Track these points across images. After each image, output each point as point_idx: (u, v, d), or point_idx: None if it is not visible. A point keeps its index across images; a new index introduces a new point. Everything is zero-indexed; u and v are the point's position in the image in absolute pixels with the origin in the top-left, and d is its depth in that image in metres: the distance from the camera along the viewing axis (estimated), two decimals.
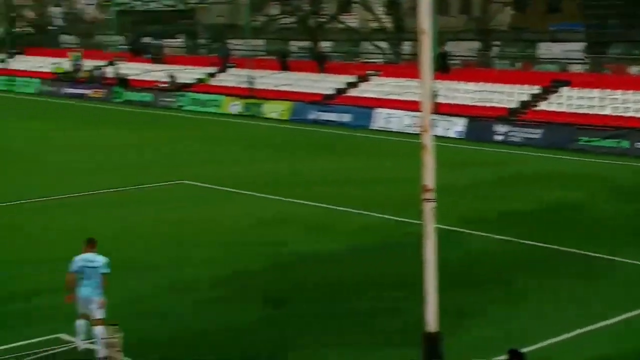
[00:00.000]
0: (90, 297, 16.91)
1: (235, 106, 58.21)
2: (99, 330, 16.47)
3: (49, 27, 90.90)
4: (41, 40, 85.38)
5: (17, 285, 21.28)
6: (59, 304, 18.26)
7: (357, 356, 17.15)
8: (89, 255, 17.16)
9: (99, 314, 16.84)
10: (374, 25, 68.05)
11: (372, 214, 28.78)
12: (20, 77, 74.00)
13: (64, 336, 17.52)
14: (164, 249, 24.94)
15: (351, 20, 72.25)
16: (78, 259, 17.14)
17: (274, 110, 56.10)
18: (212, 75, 65.54)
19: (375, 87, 55.95)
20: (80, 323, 17.02)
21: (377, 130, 50.10)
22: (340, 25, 70.10)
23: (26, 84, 72.59)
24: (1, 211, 29.87)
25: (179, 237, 26.27)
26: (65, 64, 72.68)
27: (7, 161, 40.15)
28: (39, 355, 15.61)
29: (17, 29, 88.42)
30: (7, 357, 15.75)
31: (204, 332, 18.40)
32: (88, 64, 71.67)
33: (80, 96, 67.11)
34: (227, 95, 59.59)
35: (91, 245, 17.39)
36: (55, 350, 15.95)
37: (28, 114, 58.43)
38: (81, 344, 16.83)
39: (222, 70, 65.57)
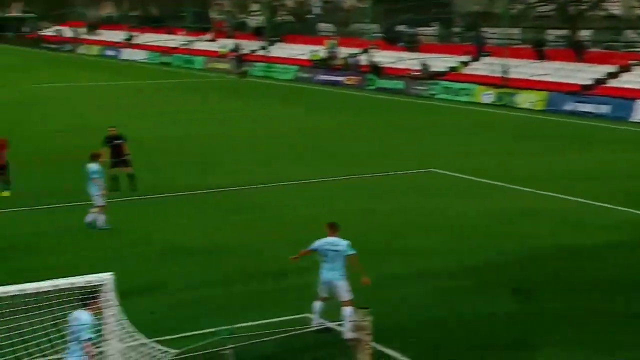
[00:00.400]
0: (334, 280, 16.90)
1: (487, 95, 57.31)
2: (348, 311, 16.43)
3: (307, 16, 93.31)
4: (299, 28, 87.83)
5: (267, 266, 21.69)
6: (305, 284, 18.45)
7: None
8: (332, 239, 17.15)
9: (347, 295, 16.80)
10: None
11: (631, 210, 27.28)
12: (279, 64, 76.47)
13: (310, 316, 17.63)
14: (409, 236, 24.71)
15: (614, 7, 69.33)
16: (321, 242, 17.19)
17: (528, 100, 54.76)
18: (465, 63, 64.91)
19: (638, 78, 53.38)
20: (318, 304, 17.09)
21: (637, 122, 47.81)
22: (602, 13, 67.44)
23: (284, 70, 74.85)
24: (259, 192, 30.76)
25: (425, 225, 25.97)
26: (321, 51, 74.32)
27: (275, 144, 41.32)
28: (288, 334, 15.84)
29: (278, 18, 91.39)
30: (257, 333, 16.03)
31: (443, 320, 17.98)
32: (343, 51, 72.92)
33: (335, 83, 68.37)
34: (480, 84, 58.78)
35: (334, 229, 17.36)
36: (302, 330, 16.13)
37: (286, 100, 60.20)
38: (322, 324, 16.91)
39: (476, 59, 64.77)
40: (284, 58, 78.11)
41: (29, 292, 11.22)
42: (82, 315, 11.76)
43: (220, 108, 55.21)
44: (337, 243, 17.06)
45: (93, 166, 25.61)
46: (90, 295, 11.81)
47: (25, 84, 68.24)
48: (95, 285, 11.65)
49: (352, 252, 17.01)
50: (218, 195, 30.31)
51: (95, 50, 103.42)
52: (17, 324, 11.55)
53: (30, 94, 62.23)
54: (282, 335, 15.93)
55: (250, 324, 17.19)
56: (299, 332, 16.03)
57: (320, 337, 16.66)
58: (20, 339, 11.66)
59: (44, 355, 11.98)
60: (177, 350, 14.64)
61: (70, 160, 33.28)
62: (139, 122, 47.62)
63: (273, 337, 15.60)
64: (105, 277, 11.65)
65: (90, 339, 11.73)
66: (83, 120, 48.96)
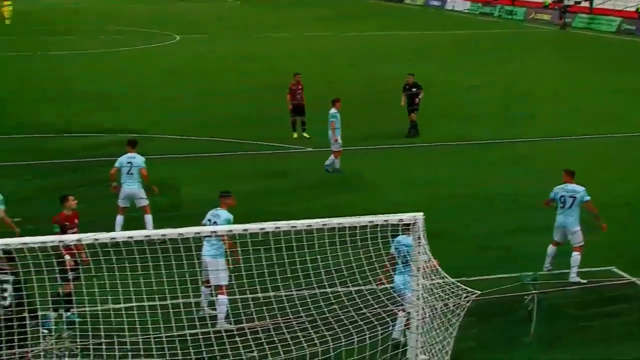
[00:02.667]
0: (569, 226, 17.64)
1: None
2: (576, 257, 17.49)
3: None
4: None
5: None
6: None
7: None
8: (569, 186, 17.86)
9: (579, 241, 17.62)
10: None
11: None
12: (603, 15, 74.23)
13: (616, 270, 17.77)
14: None
15: None
16: (558, 188, 17.95)
17: None
18: None
19: None
20: (551, 248, 18.03)
21: None
22: None
23: (608, 22, 72.61)
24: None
25: None
26: None
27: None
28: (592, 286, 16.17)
29: None
30: (559, 281, 16.41)
31: None
32: None
33: None
34: None
35: (571, 175, 18.01)
36: (602, 283, 16.37)
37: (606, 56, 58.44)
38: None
39: None
40: (609, 9, 75.65)
41: (350, 225, 12.23)
42: (406, 240, 13.22)
43: (539, 61, 54.58)
44: (574, 189, 17.69)
45: (331, 111, 27.05)
46: (409, 224, 12.97)
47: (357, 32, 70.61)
48: (409, 219, 12.44)
49: (587, 198, 17.59)
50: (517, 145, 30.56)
51: (420, 0, 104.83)
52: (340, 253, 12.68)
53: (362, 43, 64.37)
54: (585, 285, 16.25)
55: (553, 272, 17.58)
56: (598, 284, 16.23)
57: (622, 291, 16.77)
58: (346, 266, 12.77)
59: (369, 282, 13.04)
60: (479, 292, 15.30)
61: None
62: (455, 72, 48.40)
63: (576, 287, 15.93)
64: (417, 217, 12.46)
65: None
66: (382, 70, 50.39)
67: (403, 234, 13.51)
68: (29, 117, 35.02)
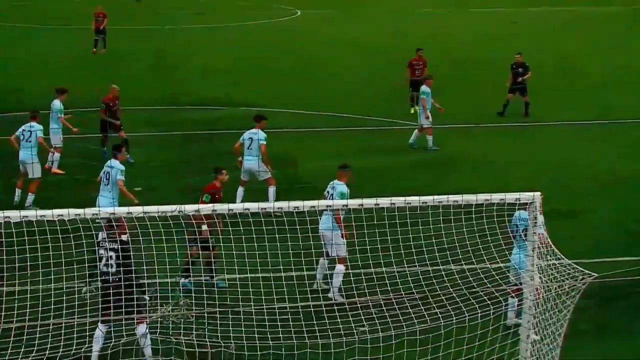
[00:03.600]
0: None
1: None
2: None
3: None
4: None
5: None
6: None
7: None
8: None
9: None
10: None
11: None
12: None
13: None
14: None
15: None
16: None
17: None
18: None
19: None
20: None
21: None
22: None
23: None
24: None
25: None
26: None
27: None
28: None
29: None
30: None
31: None
32: None
33: None
34: None
35: None
36: None
37: None
38: None
39: None
40: None
41: (466, 202, 12.14)
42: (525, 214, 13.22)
43: None
44: None
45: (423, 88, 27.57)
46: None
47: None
48: (527, 198, 12.26)
49: None
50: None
51: None
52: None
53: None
54: None
55: None
56: None
57: None
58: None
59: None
60: (596, 274, 15.01)
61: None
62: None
63: None
64: (535, 195, 12.29)
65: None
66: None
67: (522, 209, 13.42)
68: (162, 90, 35.78)
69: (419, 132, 27.58)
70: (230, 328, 11.54)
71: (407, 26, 54.90)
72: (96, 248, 12.95)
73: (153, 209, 10.71)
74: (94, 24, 45.17)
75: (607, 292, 15.54)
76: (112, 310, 12.23)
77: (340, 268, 15.82)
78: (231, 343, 11.56)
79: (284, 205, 11.53)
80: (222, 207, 11.14)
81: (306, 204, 11.71)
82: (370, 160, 24.83)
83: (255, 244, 12.25)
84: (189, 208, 11.24)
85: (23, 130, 21.85)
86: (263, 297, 12.14)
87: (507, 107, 31.78)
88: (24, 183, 21.54)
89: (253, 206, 11.61)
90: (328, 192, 16.79)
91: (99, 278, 13.16)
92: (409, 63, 33.14)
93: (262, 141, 20.90)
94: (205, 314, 12.09)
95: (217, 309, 12.23)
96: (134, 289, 12.28)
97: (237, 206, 11.20)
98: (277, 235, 12.44)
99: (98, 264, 13.05)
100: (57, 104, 24.61)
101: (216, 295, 12.35)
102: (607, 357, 14.51)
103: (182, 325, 12.32)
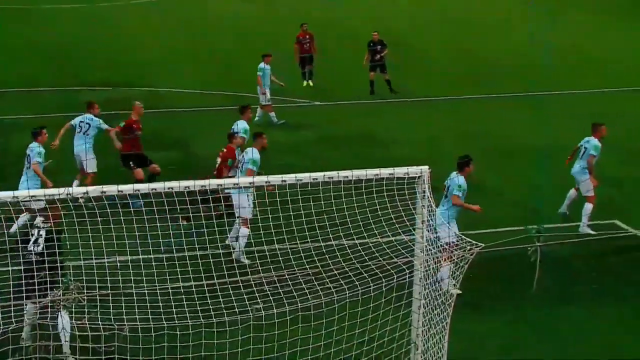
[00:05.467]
0: None
1: None
2: None
3: None
4: None
5: None
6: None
7: None
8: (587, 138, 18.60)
9: None
10: None
11: None
12: None
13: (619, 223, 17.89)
14: None
15: None
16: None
17: None
18: None
19: None
20: None
21: None
22: None
23: None
24: None
25: None
26: None
27: None
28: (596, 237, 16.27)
29: None
30: (564, 234, 16.55)
31: None
32: None
33: None
34: None
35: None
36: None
37: None
38: None
39: None
40: None
41: (356, 177, 12.29)
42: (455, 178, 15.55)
43: None
44: (587, 141, 18.41)
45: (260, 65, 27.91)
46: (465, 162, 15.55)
47: None
48: (415, 172, 12.46)
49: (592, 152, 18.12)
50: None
51: None
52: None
53: None
54: (589, 238, 16.40)
55: (558, 225, 17.71)
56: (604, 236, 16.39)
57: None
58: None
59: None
60: (483, 245, 15.41)
61: None
62: None
63: (579, 240, 16.06)
64: (422, 169, 12.50)
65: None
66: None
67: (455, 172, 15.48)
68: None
69: (261, 109, 27.84)
70: (123, 310, 11.43)
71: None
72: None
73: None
74: None
75: (493, 261, 15.97)
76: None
77: (243, 231, 16.42)
78: (124, 325, 11.46)
79: (175, 185, 11.47)
80: (111, 189, 11.01)
81: (197, 183, 11.68)
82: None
83: (147, 225, 12.14)
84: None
85: (81, 121, 20.26)
86: (156, 277, 12.07)
87: (374, 85, 32.12)
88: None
89: (143, 187, 11.53)
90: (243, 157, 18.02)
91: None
92: (296, 39, 33.43)
93: (242, 134, 20.04)
94: (97, 297, 11.94)
95: (109, 292, 12.11)
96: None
97: (127, 187, 11.11)
98: (168, 216, 12.38)
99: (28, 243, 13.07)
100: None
101: (108, 278, 12.21)
102: (494, 326, 14.93)
103: (73, 309, 12.16)
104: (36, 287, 11.92)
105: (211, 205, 13.50)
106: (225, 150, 19.05)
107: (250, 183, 11.99)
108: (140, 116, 20.65)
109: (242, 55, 37.72)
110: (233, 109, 26.14)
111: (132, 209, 11.77)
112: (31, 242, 13.08)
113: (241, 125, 20.30)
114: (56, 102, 29.78)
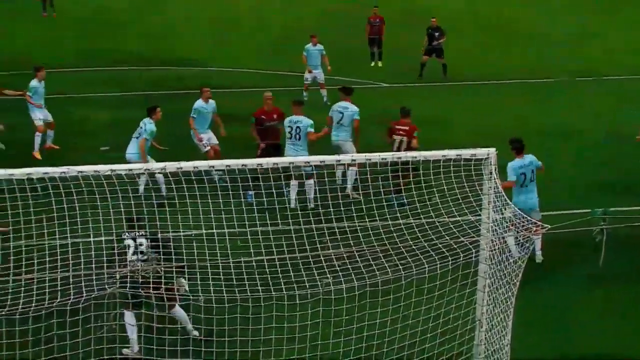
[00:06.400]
0: None
1: None
2: None
3: None
4: None
5: None
6: None
7: None
8: None
9: None
10: None
11: None
12: None
13: None
14: None
15: None
16: None
17: None
18: None
19: None
20: None
21: None
22: None
23: None
24: None
25: None
26: None
27: None
28: None
29: None
30: (629, 216, 16.66)
31: None
32: None
33: None
34: None
35: None
36: None
37: None
38: None
39: None
40: None
41: (423, 158, 12.57)
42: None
43: None
44: None
45: None
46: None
47: None
48: (482, 154, 12.70)
49: None
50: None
51: None
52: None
53: None
54: None
55: (624, 208, 17.81)
56: None
57: None
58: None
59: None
60: (549, 226, 15.60)
61: None
62: None
63: None
64: (490, 151, 12.73)
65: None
66: None
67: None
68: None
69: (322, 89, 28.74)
70: (198, 282, 11.88)
71: None
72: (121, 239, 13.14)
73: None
74: None
75: (557, 243, 16.15)
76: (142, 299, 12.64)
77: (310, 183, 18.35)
78: (200, 296, 11.91)
79: (248, 162, 11.84)
80: (187, 165, 11.42)
81: (269, 161, 12.07)
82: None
83: (221, 200, 12.58)
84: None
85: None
86: (229, 251, 12.49)
87: (424, 68, 32.35)
88: None
89: (217, 163, 11.94)
90: (290, 127, 19.46)
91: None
92: (367, 20, 34.15)
93: (356, 116, 20.26)
94: (174, 269, 12.43)
95: (185, 264, 12.59)
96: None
97: (202, 163, 11.53)
98: (240, 192, 12.83)
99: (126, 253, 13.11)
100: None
101: (183, 250, 12.68)
102: (558, 303, 15.16)
103: (151, 280, 12.65)
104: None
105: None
106: None
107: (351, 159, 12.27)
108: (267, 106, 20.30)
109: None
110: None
111: (244, 200, 12.31)
112: (130, 254, 13.07)
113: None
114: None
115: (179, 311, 13.20)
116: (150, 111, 19.56)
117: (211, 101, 21.01)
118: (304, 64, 28.53)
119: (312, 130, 19.42)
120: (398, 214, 12.94)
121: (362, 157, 12.13)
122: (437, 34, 32.53)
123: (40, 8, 44.53)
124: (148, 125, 19.31)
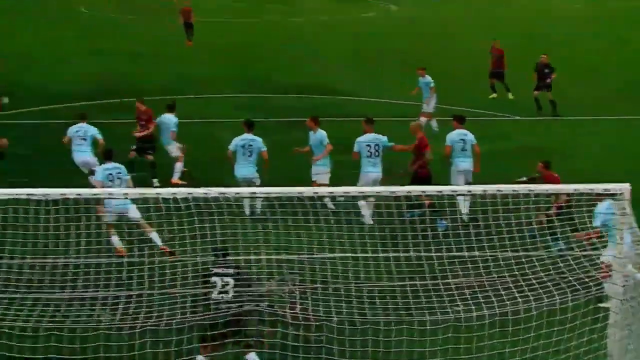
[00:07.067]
0: None
1: None
2: None
3: None
4: None
5: None
6: None
7: None
8: None
9: None
10: None
11: None
12: None
13: None
14: None
15: None
16: None
17: None
18: None
19: None
20: None
21: None
22: None
23: None
24: None
25: None
26: None
27: None
28: None
29: None
30: None
31: None
32: None
33: None
34: None
35: None
36: None
37: None
38: None
39: None
40: None
41: (555, 191, 12.65)
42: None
43: None
44: None
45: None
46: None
47: None
48: (615, 189, 12.65)
49: None
50: None
51: None
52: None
53: None
54: None
55: None
56: None
57: None
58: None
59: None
60: None
61: None
62: None
63: None
64: (624, 187, 12.67)
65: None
66: None
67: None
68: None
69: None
70: (332, 304, 12.20)
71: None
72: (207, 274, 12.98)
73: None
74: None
75: None
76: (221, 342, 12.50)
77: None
78: (333, 317, 12.22)
79: (382, 189, 12.14)
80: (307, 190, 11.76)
81: (403, 189, 12.31)
82: None
83: (354, 225, 12.94)
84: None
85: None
86: (362, 275, 12.80)
87: (539, 101, 32.35)
88: None
89: (337, 190, 12.18)
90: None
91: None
92: (490, 52, 34.65)
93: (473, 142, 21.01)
94: (308, 290, 12.78)
95: (319, 285, 12.94)
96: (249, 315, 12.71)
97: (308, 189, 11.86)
98: (376, 218, 13.15)
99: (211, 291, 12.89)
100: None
101: (318, 273, 13.04)
102: None
103: (287, 300, 13.04)
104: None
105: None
106: None
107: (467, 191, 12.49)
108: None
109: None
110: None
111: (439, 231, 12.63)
112: (216, 292, 12.78)
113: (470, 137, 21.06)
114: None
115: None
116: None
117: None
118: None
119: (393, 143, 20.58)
120: (529, 246, 13.04)
121: (493, 188, 12.26)
122: (546, 70, 32.54)
123: (185, 37, 45.83)
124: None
